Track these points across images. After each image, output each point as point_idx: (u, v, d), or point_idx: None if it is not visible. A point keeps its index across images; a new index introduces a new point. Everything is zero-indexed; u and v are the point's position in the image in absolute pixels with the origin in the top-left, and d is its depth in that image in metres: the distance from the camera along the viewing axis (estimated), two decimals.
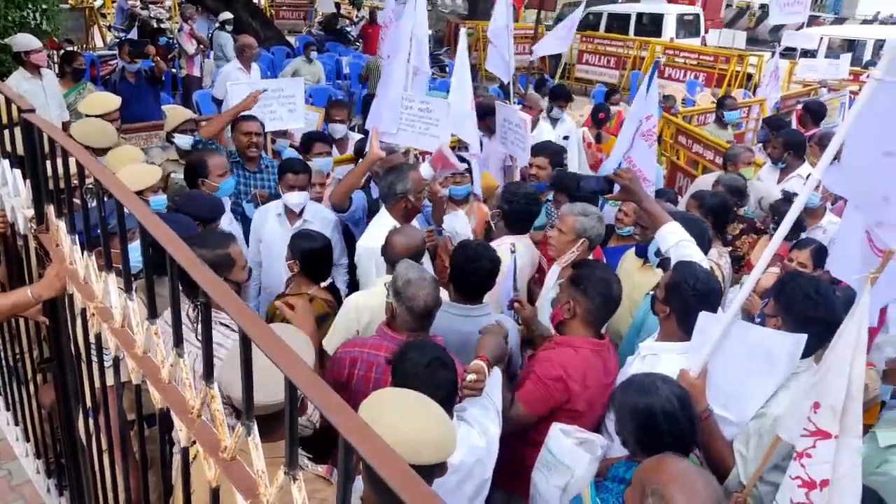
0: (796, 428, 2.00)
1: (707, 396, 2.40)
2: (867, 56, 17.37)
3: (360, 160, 4.59)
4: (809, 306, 2.47)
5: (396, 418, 1.72)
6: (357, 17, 20.57)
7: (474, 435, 2.24)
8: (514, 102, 6.43)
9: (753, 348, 2.36)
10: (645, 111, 4.48)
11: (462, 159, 4.37)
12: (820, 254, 3.65)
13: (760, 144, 7.23)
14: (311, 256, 3.25)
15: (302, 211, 4.06)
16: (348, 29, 17.62)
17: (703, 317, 2.45)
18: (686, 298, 2.62)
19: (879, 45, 17.39)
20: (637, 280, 3.57)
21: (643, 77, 13.36)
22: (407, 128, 4.50)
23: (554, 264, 3.51)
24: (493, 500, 2.84)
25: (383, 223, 3.58)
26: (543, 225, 4.20)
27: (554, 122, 6.96)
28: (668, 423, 2.07)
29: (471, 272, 2.97)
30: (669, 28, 15.54)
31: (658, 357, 2.66)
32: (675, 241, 2.94)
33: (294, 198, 3.97)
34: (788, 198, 4.58)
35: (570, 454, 2.21)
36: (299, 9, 19.24)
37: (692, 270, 2.69)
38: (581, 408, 2.65)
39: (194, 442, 1.42)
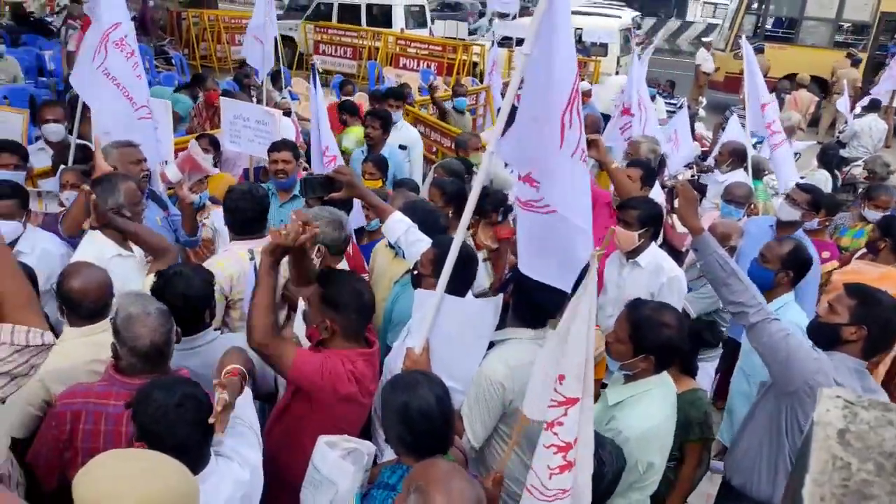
0: (540, 404, 2.13)
1: (434, 369, 2.47)
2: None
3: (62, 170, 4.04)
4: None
5: (121, 487, 1.52)
6: (59, 5, 18.09)
7: (236, 468, 2.07)
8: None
9: (465, 318, 2.59)
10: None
11: None
12: None
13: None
14: None
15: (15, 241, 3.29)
16: (49, 19, 15.44)
17: (419, 295, 2.60)
18: (457, 265, 2.74)
19: (578, 32, 19.75)
20: (394, 271, 3.59)
21: (380, 67, 13.69)
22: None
23: None
24: None
25: (95, 245, 3.13)
26: None
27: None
28: (425, 421, 2.05)
29: (177, 305, 2.59)
30: (399, 19, 16.01)
31: None
32: (403, 229, 3.06)
33: (3, 227, 3.15)
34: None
35: (335, 468, 2.11)
36: None
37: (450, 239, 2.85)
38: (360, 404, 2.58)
39: None
